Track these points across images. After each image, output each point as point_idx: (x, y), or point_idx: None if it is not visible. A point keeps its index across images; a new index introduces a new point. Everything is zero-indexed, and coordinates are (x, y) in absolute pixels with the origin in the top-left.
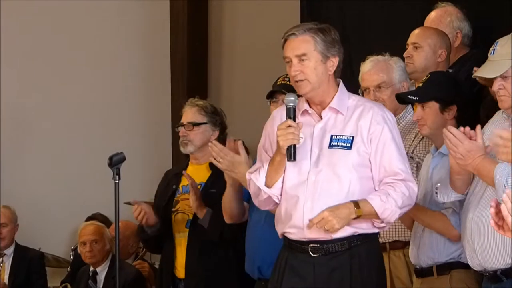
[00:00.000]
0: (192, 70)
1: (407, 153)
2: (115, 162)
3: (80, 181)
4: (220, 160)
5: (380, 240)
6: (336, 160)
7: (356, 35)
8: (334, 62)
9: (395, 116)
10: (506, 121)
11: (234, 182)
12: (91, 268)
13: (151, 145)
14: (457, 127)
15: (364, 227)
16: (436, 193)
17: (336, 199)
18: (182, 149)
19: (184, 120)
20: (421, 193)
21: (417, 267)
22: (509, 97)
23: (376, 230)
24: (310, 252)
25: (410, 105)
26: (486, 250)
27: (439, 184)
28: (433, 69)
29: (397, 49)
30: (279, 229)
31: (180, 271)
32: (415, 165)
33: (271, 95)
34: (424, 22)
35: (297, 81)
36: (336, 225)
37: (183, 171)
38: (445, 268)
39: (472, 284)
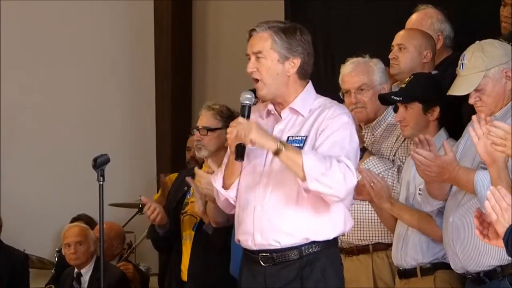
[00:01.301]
0: (176, 70)
1: (388, 157)
2: (100, 163)
3: (64, 183)
4: (198, 184)
5: (363, 242)
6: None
7: (341, 36)
8: (295, 64)
9: (376, 117)
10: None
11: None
12: (76, 270)
13: (135, 147)
14: (439, 128)
15: (316, 232)
16: (420, 194)
17: (286, 202)
18: (196, 153)
19: (200, 124)
20: (404, 194)
21: (401, 268)
22: (486, 107)
23: (331, 236)
24: (260, 261)
25: (390, 107)
26: (468, 252)
27: (422, 186)
28: (418, 70)
29: (382, 49)
30: (236, 235)
31: (185, 274)
32: (396, 169)
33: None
34: (406, 25)
35: (254, 80)
36: (251, 135)
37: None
38: (429, 269)
39: (456, 285)
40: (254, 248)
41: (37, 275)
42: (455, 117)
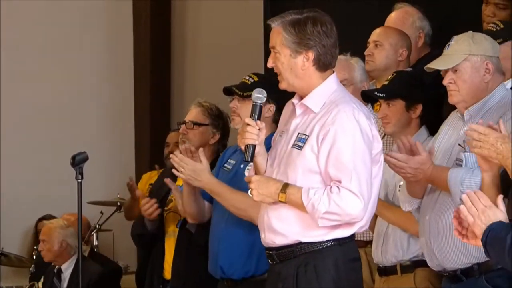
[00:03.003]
0: (155, 69)
1: None
2: (78, 161)
3: (43, 181)
4: (182, 170)
5: None
6: (290, 161)
7: None
8: (309, 57)
9: None
10: (460, 120)
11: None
12: (57, 266)
13: (114, 144)
14: (421, 126)
15: (308, 235)
16: (400, 191)
17: (282, 203)
18: (180, 146)
19: (187, 118)
20: (383, 191)
21: (381, 266)
22: (459, 91)
23: (324, 239)
24: (269, 260)
25: (370, 104)
26: (445, 250)
27: (402, 183)
28: (393, 68)
29: (360, 48)
30: None
31: (168, 271)
32: None
33: (226, 92)
34: (385, 23)
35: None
36: (255, 197)
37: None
38: (409, 266)
39: (436, 283)
40: (264, 245)
41: (16, 273)
42: (437, 115)
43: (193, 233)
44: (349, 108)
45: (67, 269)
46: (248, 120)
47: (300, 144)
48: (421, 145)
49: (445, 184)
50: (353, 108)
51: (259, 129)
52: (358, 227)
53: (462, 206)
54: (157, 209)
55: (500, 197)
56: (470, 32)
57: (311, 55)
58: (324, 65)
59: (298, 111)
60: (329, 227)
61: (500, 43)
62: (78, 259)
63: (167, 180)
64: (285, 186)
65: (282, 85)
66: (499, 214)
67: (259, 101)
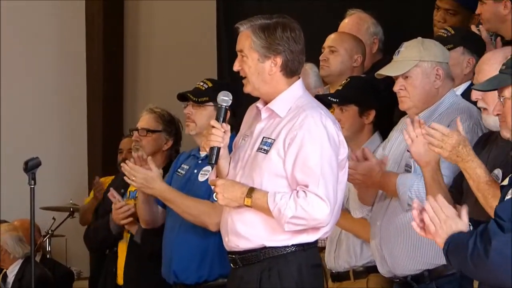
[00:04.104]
0: (108, 72)
1: None
2: (31, 167)
3: None
4: (133, 178)
5: None
6: (255, 165)
7: None
8: (276, 62)
9: None
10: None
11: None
12: (4, 270)
13: (66, 150)
14: (374, 132)
15: (273, 239)
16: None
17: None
18: (133, 153)
19: (140, 125)
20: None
21: (333, 271)
22: (409, 98)
23: (289, 243)
24: (231, 264)
25: None
26: (396, 256)
27: (353, 189)
28: (348, 73)
29: (311, 49)
30: None
31: (121, 277)
32: None
33: (180, 98)
34: (339, 29)
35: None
36: (220, 201)
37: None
38: (362, 272)
39: None
40: (227, 249)
41: None
42: (390, 121)
43: (140, 243)
44: (317, 114)
45: (11, 272)
46: (213, 122)
47: (265, 148)
48: (369, 152)
49: (394, 189)
50: (320, 114)
51: (224, 132)
52: (323, 233)
53: (425, 214)
54: (130, 216)
55: (465, 207)
56: (420, 38)
57: (279, 60)
58: (291, 71)
59: (264, 115)
60: (294, 232)
61: (450, 49)
62: (31, 264)
63: (110, 195)
64: (251, 190)
65: (247, 89)
66: (460, 224)
67: (224, 104)
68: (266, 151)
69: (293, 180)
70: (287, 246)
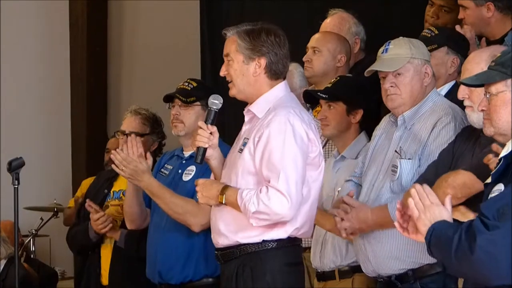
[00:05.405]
0: (91, 72)
1: None
2: (14, 167)
3: None
4: (123, 168)
5: None
6: (233, 165)
7: None
8: (261, 64)
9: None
10: (393, 125)
11: (136, 187)
12: None
13: (50, 150)
14: (360, 131)
15: (248, 236)
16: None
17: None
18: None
19: (127, 128)
20: (324, 196)
21: (319, 271)
22: (400, 95)
23: (259, 239)
24: (216, 260)
25: (310, 110)
26: (380, 256)
27: (340, 188)
28: (332, 73)
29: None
30: None
31: (105, 277)
32: None
33: (167, 99)
34: (321, 29)
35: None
36: (200, 200)
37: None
38: (347, 271)
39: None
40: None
41: None
42: (376, 122)
43: (124, 248)
44: (285, 112)
45: None
46: (200, 123)
47: (242, 148)
48: (349, 198)
49: (390, 219)
50: (288, 112)
51: (210, 133)
52: (293, 229)
53: (410, 199)
54: (107, 227)
55: (449, 196)
56: (405, 37)
57: (263, 61)
58: (275, 73)
59: (246, 117)
60: (263, 228)
61: (434, 49)
62: (15, 265)
63: (87, 205)
64: (225, 188)
65: (232, 92)
66: (444, 212)
67: (214, 107)
68: (241, 151)
69: (261, 176)
70: (260, 243)
